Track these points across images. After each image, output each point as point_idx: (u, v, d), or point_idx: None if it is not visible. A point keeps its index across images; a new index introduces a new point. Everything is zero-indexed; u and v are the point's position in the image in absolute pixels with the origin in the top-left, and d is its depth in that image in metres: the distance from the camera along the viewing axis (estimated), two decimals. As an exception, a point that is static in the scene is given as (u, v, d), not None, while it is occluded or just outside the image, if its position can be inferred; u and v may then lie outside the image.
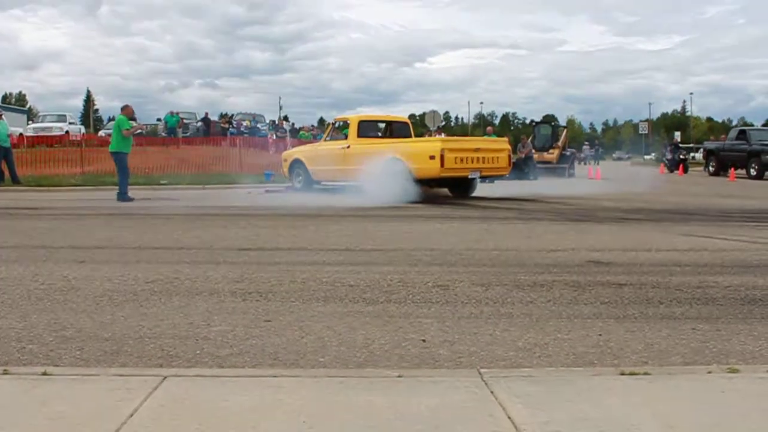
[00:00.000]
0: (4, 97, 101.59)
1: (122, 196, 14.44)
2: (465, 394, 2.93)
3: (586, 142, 46.21)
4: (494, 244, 7.83)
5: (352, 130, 15.77)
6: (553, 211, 12.21)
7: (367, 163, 14.23)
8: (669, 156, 36.74)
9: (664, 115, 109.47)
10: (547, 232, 9.04)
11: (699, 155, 41.89)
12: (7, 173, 19.83)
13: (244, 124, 37.50)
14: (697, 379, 3.16)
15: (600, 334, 4.05)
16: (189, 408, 2.75)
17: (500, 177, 16.76)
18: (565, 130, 33.04)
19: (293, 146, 23.70)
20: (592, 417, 2.68)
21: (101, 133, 38.30)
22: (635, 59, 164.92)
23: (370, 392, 2.93)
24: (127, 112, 15.53)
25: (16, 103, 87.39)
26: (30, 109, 73.10)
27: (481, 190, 16.08)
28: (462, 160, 14.33)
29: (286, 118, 62.35)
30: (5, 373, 3.17)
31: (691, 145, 46.97)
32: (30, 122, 40.94)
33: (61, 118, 35.32)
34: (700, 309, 4.68)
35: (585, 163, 33.58)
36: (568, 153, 30.94)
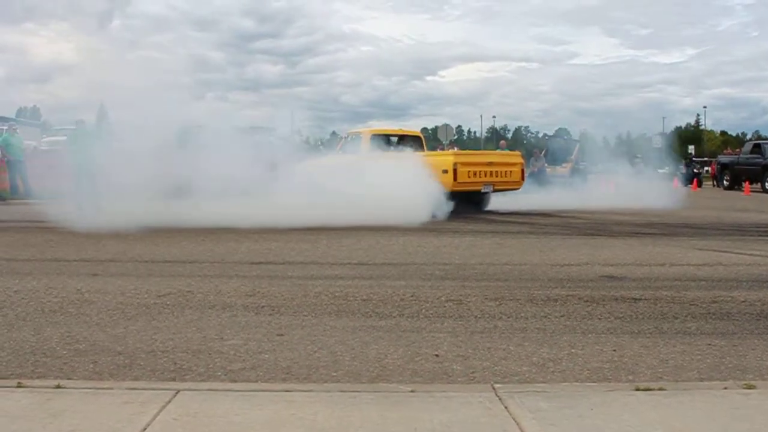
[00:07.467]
0: (19, 110, 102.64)
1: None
2: (479, 409, 2.91)
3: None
4: (507, 258, 7.81)
5: (364, 144, 15.80)
6: (566, 226, 12.17)
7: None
8: (683, 170, 36.57)
9: (678, 129, 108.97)
10: (560, 246, 9.00)
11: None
12: (21, 186, 19.97)
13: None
14: (712, 395, 3.13)
15: (614, 350, 4.02)
16: (202, 422, 2.75)
17: (513, 191, 16.72)
18: (577, 144, 32.97)
19: None
20: (607, 433, 2.65)
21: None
22: (648, 72, 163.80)
23: (383, 407, 2.92)
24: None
25: (31, 117, 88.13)
26: (44, 123, 73.71)
27: (494, 203, 16.04)
28: (475, 174, 14.33)
29: (299, 132, 62.55)
30: (19, 386, 3.18)
31: (705, 159, 46.88)
32: (44, 136, 41.21)
33: None
34: (716, 324, 4.64)
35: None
36: (581, 167, 30.84)
